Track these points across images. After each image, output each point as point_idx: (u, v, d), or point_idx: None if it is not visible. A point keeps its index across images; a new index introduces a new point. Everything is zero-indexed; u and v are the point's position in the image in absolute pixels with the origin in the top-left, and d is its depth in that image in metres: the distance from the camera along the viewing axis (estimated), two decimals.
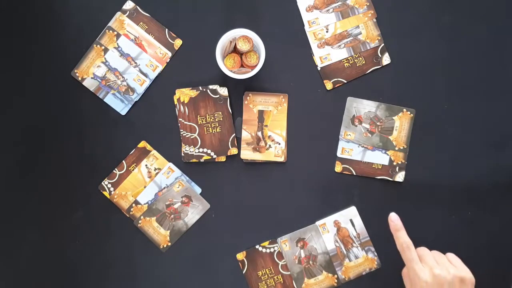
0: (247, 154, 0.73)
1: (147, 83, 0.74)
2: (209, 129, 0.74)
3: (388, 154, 0.73)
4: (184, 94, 0.74)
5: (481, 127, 0.74)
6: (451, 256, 0.63)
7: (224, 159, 0.74)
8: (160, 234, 0.74)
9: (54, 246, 0.74)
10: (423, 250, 0.63)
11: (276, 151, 0.73)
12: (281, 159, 0.73)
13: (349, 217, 0.73)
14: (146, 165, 0.74)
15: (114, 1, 0.75)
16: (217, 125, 0.74)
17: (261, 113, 0.74)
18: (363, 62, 0.74)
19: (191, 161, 0.74)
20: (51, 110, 0.74)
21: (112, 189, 0.74)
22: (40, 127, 0.74)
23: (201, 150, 0.73)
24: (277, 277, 0.73)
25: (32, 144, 0.74)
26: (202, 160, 0.73)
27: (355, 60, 0.74)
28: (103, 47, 0.74)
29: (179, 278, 0.74)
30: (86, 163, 0.74)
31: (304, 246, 0.73)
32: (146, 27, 0.75)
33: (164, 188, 0.74)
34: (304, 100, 0.74)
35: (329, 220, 0.73)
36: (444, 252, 0.63)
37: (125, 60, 0.74)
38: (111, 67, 0.74)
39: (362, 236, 0.73)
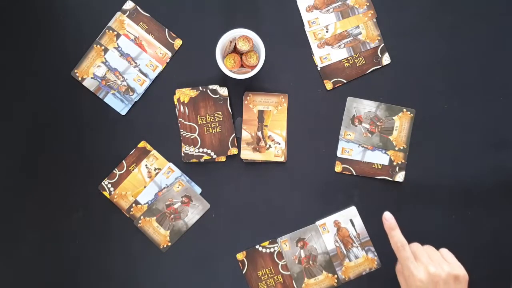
0: (247, 154, 0.73)
1: (147, 83, 0.74)
2: (209, 129, 0.74)
3: (388, 154, 0.73)
4: (184, 94, 0.74)
5: (481, 127, 0.74)
6: (444, 252, 0.63)
7: (224, 159, 0.74)
8: (160, 234, 0.74)
9: (54, 246, 0.74)
10: (417, 246, 0.62)
11: (276, 151, 0.73)
12: (281, 159, 0.73)
13: (349, 217, 0.73)
14: (146, 165, 0.74)
15: (114, 1, 0.75)
16: (217, 125, 0.74)
17: (261, 113, 0.74)
18: (363, 62, 0.74)
19: (191, 161, 0.74)
20: (51, 110, 0.74)
21: (112, 189, 0.74)
22: (40, 127, 0.74)
23: (201, 150, 0.73)
24: (277, 277, 0.73)
25: (32, 144, 0.74)
26: (202, 160, 0.73)
27: (355, 60, 0.74)
28: (103, 47, 0.74)
29: (179, 278, 0.74)
30: (86, 163, 0.74)
31: (304, 246, 0.73)
32: (146, 27, 0.75)
33: (164, 188, 0.74)
34: (304, 100, 0.74)
35: (329, 220, 0.73)
36: (438, 247, 0.63)
37: (125, 60, 0.74)
38: (111, 67, 0.74)
39: (362, 236, 0.73)
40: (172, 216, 0.74)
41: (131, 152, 0.74)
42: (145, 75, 0.74)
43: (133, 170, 0.74)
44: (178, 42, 0.75)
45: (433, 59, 0.74)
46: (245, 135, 0.74)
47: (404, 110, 0.73)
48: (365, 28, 0.74)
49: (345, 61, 0.74)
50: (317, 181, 0.74)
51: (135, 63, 0.74)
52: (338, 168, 0.73)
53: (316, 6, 0.74)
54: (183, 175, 0.74)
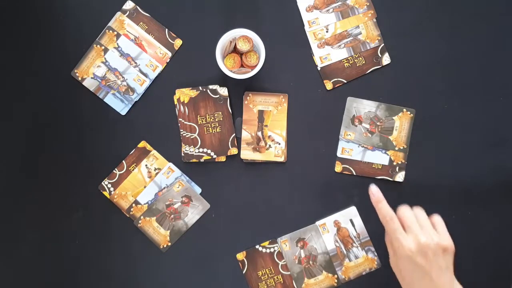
0: (247, 154, 0.73)
1: (147, 83, 0.74)
2: (209, 129, 0.74)
3: (388, 154, 0.73)
4: (184, 94, 0.74)
5: (481, 127, 0.74)
6: (436, 220, 0.63)
7: (224, 159, 0.74)
8: (160, 234, 0.74)
9: (54, 246, 0.74)
10: (407, 214, 0.62)
11: (276, 151, 0.73)
12: (281, 159, 0.73)
13: (349, 217, 0.73)
14: (146, 165, 0.74)
15: (114, 1, 0.75)
16: (217, 125, 0.74)
17: (261, 113, 0.74)
18: (363, 62, 0.74)
19: (191, 161, 0.74)
20: (51, 110, 0.74)
21: (112, 189, 0.74)
22: (40, 127, 0.74)
23: (201, 150, 0.73)
24: (277, 277, 0.73)
25: (32, 144, 0.74)
26: (202, 160, 0.73)
27: (355, 60, 0.74)
28: (103, 47, 0.74)
29: (179, 278, 0.74)
30: (86, 163, 0.74)
31: (304, 246, 0.73)
32: (146, 27, 0.75)
33: (164, 188, 0.74)
34: (304, 100, 0.74)
35: (329, 220, 0.73)
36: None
37: (125, 60, 0.74)
38: (111, 67, 0.74)
39: (362, 236, 0.73)
40: (172, 216, 0.74)
41: (131, 152, 0.74)
42: (145, 75, 0.74)
43: (133, 170, 0.74)
44: (178, 42, 0.75)
45: (433, 59, 0.74)
46: (245, 135, 0.74)
47: (404, 110, 0.73)
48: (365, 28, 0.74)
49: (345, 61, 0.74)
50: (317, 181, 0.74)
51: (135, 63, 0.74)
52: (338, 168, 0.73)
53: (316, 6, 0.74)
54: (183, 175, 0.74)
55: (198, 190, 0.74)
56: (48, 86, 0.75)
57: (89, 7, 0.75)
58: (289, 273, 0.73)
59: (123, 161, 0.74)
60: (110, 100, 0.74)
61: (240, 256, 0.73)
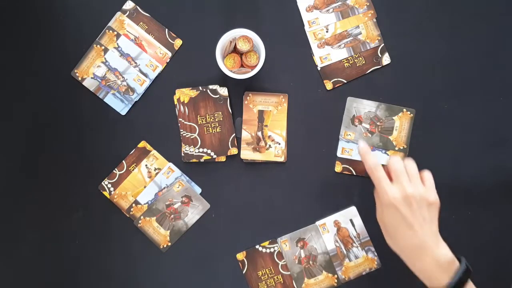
0: (247, 154, 0.73)
1: (147, 83, 0.74)
2: (209, 129, 0.74)
3: (388, 154, 0.73)
4: (184, 94, 0.74)
5: (481, 127, 0.74)
6: (426, 175, 0.63)
7: (224, 159, 0.74)
8: (160, 234, 0.74)
9: (54, 246, 0.74)
10: (397, 164, 0.62)
11: (276, 151, 0.73)
12: (281, 159, 0.73)
13: (349, 217, 0.73)
14: (146, 165, 0.74)
15: (114, 1, 0.75)
16: (217, 125, 0.74)
17: (261, 113, 0.74)
18: (363, 62, 0.74)
19: (191, 161, 0.74)
20: (51, 110, 0.74)
21: (112, 189, 0.74)
22: (40, 127, 0.74)
23: (201, 150, 0.73)
24: (277, 277, 0.73)
25: (32, 144, 0.74)
26: (202, 160, 0.73)
27: (355, 60, 0.74)
28: (103, 47, 0.74)
29: (179, 278, 0.74)
30: (86, 163, 0.74)
31: (304, 246, 0.73)
32: (146, 27, 0.75)
33: (164, 188, 0.74)
34: (304, 100, 0.74)
35: (329, 220, 0.73)
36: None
37: (125, 60, 0.74)
38: (111, 67, 0.74)
39: (362, 236, 0.73)
40: (172, 216, 0.74)
41: (131, 152, 0.74)
42: (145, 75, 0.74)
43: (133, 170, 0.74)
44: (178, 42, 0.75)
45: (433, 59, 0.74)
46: (245, 135, 0.74)
47: (404, 110, 0.73)
48: (365, 28, 0.74)
49: (345, 61, 0.74)
50: (317, 181, 0.74)
51: (135, 63, 0.74)
52: (338, 168, 0.73)
53: (316, 6, 0.74)
54: (183, 175, 0.74)
55: (198, 190, 0.74)
56: (48, 86, 0.75)
57: (89, 7, 0.75)
58: (289, 273, 0.73)
59: (123, 161, 0.74)
60: (110, 100, 0.74)
61: (240, 256, 0.73)
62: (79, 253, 0.74)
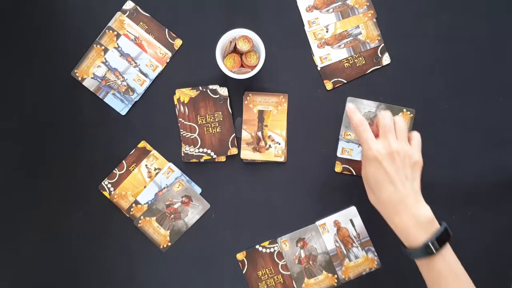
0: (247, 154, 0.73)
1: (147, 83, 0.74)
2: (209, 129, 0.74)
3: None
4: (184, 94, 0.74)
5: (481, 127, 0.74)
6: (414, 135, 0.64)
7: (224, 159, 0.74)
8: (160, 234, 0.74)
9: (54, 246, 0.74)
10: (387, 120, 0.63)
11: (276, 151, 0.73)
12: (281, 159, 0.73)
13: (349, 217, 0.73)
14: (146, 165, 0.74)
15: (114, 1, 0.75)
16: (217, 125, 0.74)
17: (261, 113, 0.74)
18: (363, 62, 0.74)
19: (191, 161, 0.74)
20: (51, 110, 0.74)
21: (112, 189, 0.74)
22: (40, 127, 0.74)
23: (201, 150, 0.73)
24: (277, 277, 0.73)
25: (32, 144, 0.74)
26: (202, 160, 0.73)
27: (355, 60, 0.74)
28: (103, 47, 0.74)
29: (179, 278, 0.74)
30: (86, 163, 0.74)
31: (304, 246, 0.73)
32: (146, 27, 0.75)
33: (164, 188, 0.74)
34: (304, 100, 0.74)
35: (329, 220, 0.73)
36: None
37: (125, 60, 0.74)
38: (111, 67, 0.74)
39: (362, 236, 0.73)
40: (172, 216, 0.74)
41: (131, 152, 0.74)
42: (145, 75, 0.74)
43: (133, 170, 0.74)
44: (178, 42, 0.75)
45: (433, 59, 0.74)
46: (245, 135, 0.74)
47: (404, 110, 0.73)
48: (365, 28, 0.74)
49: (345, 61, 0.74)
50: (317, 181, 0.74)
51: (135, 63, 0.74)
52: (338, 168, 0.73)
53: (316, 6, 0.74)
54: (183, 175, 0.74)
55: (198, 190, 0.74)
56: (48, 86, 0.75)
57: (89, 7, 0.75)
58: (289, 273, 0.73)
59: (123, 161, 0.74)
60: (110, 100, 0.74)
61: (240, 256, 0.73)
62: (79, 253, 0.74)
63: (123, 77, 0.74)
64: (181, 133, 0.74)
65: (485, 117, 0.74)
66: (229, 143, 0.73)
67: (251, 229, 0.74)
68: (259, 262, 0.73)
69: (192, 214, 0.74)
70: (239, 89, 0.74)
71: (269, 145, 0.73)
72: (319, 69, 0.74)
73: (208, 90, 0.74)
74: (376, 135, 0.63)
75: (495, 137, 0.73)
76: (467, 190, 0.73)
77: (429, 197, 0.72)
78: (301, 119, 0.74)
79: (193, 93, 0.74)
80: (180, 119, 0.74)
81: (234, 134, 0.73)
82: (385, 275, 0.73)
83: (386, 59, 0.74)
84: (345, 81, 0.74)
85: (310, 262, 0.73)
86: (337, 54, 0.74)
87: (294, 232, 0.73)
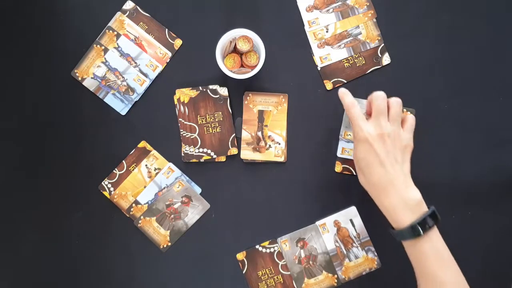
0: (247, 154, 0.73)
1: (147, 83, 0.74)
2: (209, 129, 0.74)
3: None
4: (184, 94, 0.74)
5: (481, 127, 0.74)
6: (409, 119, 0.64)
7: (224, 159, 0.74)
8: (160, 234, 0.74)
9: (54, 246, 0.74)
10: (380, 101, 0.63)
11: (276, 151, 0.73)
12: (281, 159, 0.73)
13: (349, 217, 0.73)
14: (146, 165, 0.74)
15: (114, 1, 0.75)
16: (217, 125, 0.74)
17: (261, 113, 0.74)
18: (363, 62, 0.74)
19: (191, 161, 0.74)
20: (51, 110, 0.74)
21: (112, 189, 0.74)
22: (40, 127, 0.74)
23: (201, 150, 0.73)
24: (277, 277, 0.73)
25: (32, 144, 0.74)
26: (202, 160, 0.73)
27: (355, 60, 0.74)
28: (103, 47, 0.74)
29: (179, 278, 0.74)
30: (86, 163, 0.74)
31: (304, 246, 0.73)
32: (146, 27, 0.75)
33: (164, 188, 0.74)
34: (304, 100, 0.74)
35: (329, 220, 0.73)
36: None
37: (125, 60, 0.74)
38: (111, 67, 0.74)
39: (362, 236, 0.73)
40: (172, 216, 0.74)
41: (131, 152, 0.74)
42: (145, 75, 0.74)
43: (133, 170, 0.74)
44: (178, 42, 0.75)
45: (433, 59, 0.74)
46: (245, 135, 0.74)
47: (404, 110, 0.73)
48: (365, 28, 0.74)
49: (345, 61, 0.74)
50: (317, 181, 0.74)
51: (135, 63, 0.74)
52: (338, 168, 0.73)
53: (316, 6, 0.74)
54: (183, 175, 0.74)
55: (198, 190, 0.74)
56: (48, 86, 0.75)
57: (89, 7, 0.75)
58: (289, 273, 0.73)
59: (123, 161, 0.74)
60: (110, 100, 0.74)
61: (240, 256, 0.73)
62: (79, 253, 0.74)
63: (123, 77, 0.74)
64: (181, 133, 0.74)
65: (485, 117, 0.74)
66: (229, 143, 0.73)
67: (251, 229, 0.74)
68: (259, 262, 0.73)
69: (192, 214, 0.74)
70: (239, 89, 0.74)
71: (269, 145, 0.73)
72: (319, 69, 0.74)
73: (208, 90, 0.74)
74: (370, 114, 0.64)
75: (495, 137, 0.73)
76: (467, 190, 0.73)
77: (429, 197, 0.72)
78: (301, 119, 0.74)
79: (193, 93, 0.74)
80: (180, 119, 0.74)
81: (234, 134, 0.74)
82: (385, 275, 0.73)
83: (386, 59, 0.74)
84: (345, 81, 0.74)
85: (310, 262, 0.73)
86: (337, 54, 0.74)
87: (294, 232, 0.73)
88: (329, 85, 0.74)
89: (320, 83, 0.74)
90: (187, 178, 0.74)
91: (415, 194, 0.61)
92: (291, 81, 0.74)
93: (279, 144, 0.73)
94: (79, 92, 0.74)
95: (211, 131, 0.74)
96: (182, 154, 0.74)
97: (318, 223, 0.73)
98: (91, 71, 0.74)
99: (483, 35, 0.74)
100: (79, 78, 0.74)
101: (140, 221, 0.74)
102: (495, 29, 0.74)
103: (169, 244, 0.74)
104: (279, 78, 0.74)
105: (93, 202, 0.74)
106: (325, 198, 0.73)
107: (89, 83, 0.74)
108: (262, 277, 0.73)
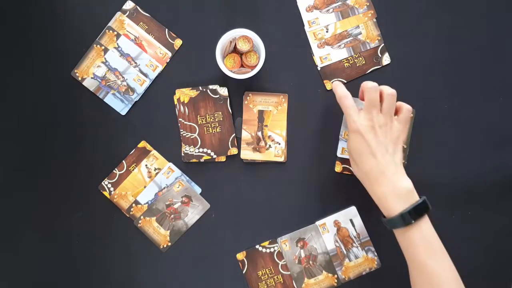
0: (247, 154, 0.73)
1: (147, 83, 0.74)
2: (209, 129, 0.74)
3: None
4: (184, 94, 0.74)
5: (481, 127, 0.74)
6: (404, 109, 0.65)
7: (224, 159, 0.74)
8: (160, 234, 0.74)
9: (54, 246, 0.74)
10: (373, 94, 0.63)
11: (276, 151, 0.73)
12: (281, 159, 0.73)
13: (349, 217, 0.73)
14: (146, 165, 0.74)
15: (114, 1, 0.75)
16: (217, 125, 0.74)
17: (261, 113, 0.74)
18: (363, 62, 0.74)
19: (191, 161, 0.74)
20: (51, 110, 0.74)
21: (112, 189, 0.74)
22: (40, 127, 0.74)
23: (201, 150, 0.73)
24: (277, 277, 0.73)
25: (32, 144, 0.74)
26: (202, 160, 0.73)
27: (355, 60, 0.74)
28: (103, 47, 0.74)
29: (179, 278, 0.74)
30: (86, 163, 0.74)
31: (304, 246, 0.73)
32: (146, 27, 0.75)
33: (164, 188, 0.74)
34: (304, 100, 0.74)
35: (329, 220, 0.73)
36: None
37: (125, 60, 0.74)
38: (111, 67, 0.74)
39: (362, 236, 0.73)
40: (172, 216, 0.74)
41: (131, 152, 0.74)
42: (145, 75, 0.74)
43: (133, 170, 0.74)
44: (178, 42, 0.75)
45: (433, 59, 0.74)
46: (245, 135, 0.74)
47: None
48: (365, 28, 0.74)
49: (345, 61, 0.74)
50: (317, 181, 0.74)
51: (135, 63, 0.74)
52: (338, 168, 0.73)
53: (316, 6, 0.74)
54: (183, 175, 0.74)
55: (198, 190, 0.74)
56: (48, 86, 0.75)
57: (89, 7, 0.75)
58: (289, 273, 0.73)
59: (123, 161, 0.74)
60: (110, 100, 0.74)
61: (240, 256, 0.73)
62: (79, 253, 0.74)
63: (123, 77, 0.74)
64: (181, 133, 0.74)
65: (485, 117, 0.74)
66: (229, 143, 0.73)
67: (251, 229, 0.74)
68: (259, 262, 0.73)
69: (192, 214, 0.74)
70: (239, 89, 0.74)
71: (269, 145, 0.73)
72: (319, 69, 0.74)
73: (208, 90, 0.74)
74: (362, 99, 0.65)
75: (495, 137, 0.73)
76: (467, 190, 0.73)
77: (429, 197, 0.72)
78: (301, 119, 0.74)
79: (193, 93, 0.74)
80: (180, 119, 0.74)
81: (234, 134, 0.74)
82: (385, 275, 0.73)
83: (386, 59, 0.74)
84: (345, 81, 0.74)
85: (310, 262, 0.73)
86: (337, 54, 0.74)
87: (294, 232, 0.73)
88: (329, 85, 0.74)
89: (320, 83, 0.74)
90: (187, 178, 0.74)
91: (406, 183, 0.62)
92: (291, 81, 0.74)
93: (279, 144, 0.73)
94: (79, 92, 0.74)
95: (211, 131, 0.74)
96: (182, 154, 0.74)
97: (318, 223, 0.73)
98: (91, 71, 0.74)
99: (483, 35, 0.74)
100: (79, 78, 0.74)
101: (140, 221, 0.74)
102: (495, 29, 0.74)
103: (169, 244, 0.74)
104: (279, 78, 0.74)
105: (93, 202, 0.74)
106: (325, 198, 0.73)
107: (89, 83, 0.74)
108: (262, 277, 0.73)
